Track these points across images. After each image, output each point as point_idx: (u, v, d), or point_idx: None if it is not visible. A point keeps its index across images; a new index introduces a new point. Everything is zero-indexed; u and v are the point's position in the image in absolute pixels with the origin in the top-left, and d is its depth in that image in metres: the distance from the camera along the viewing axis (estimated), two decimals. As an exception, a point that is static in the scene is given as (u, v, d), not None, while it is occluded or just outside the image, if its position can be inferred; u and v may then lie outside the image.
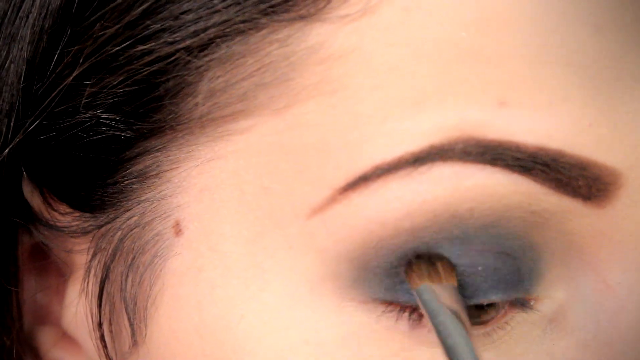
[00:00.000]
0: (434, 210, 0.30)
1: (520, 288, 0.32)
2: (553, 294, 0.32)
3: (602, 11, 0.31)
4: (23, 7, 0.35)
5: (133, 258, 0.34)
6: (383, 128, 0.30)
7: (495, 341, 0.32)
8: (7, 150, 0.34)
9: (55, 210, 0.36)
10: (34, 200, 0.36)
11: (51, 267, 0.38)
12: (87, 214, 0.35)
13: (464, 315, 0.30)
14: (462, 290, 0.31)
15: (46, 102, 0.34)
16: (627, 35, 0.31)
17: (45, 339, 0.38)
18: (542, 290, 0.32)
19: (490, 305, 0.32)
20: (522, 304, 0.32)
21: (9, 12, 0.35)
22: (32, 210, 0.37)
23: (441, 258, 0.31)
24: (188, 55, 0.32)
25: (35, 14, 0.34)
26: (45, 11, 0.34)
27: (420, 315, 0.31)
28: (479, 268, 0.31)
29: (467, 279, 0.31)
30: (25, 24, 0.35)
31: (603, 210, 0.31)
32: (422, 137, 0.30)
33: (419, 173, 0.30)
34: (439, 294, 0.30)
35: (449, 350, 0.29)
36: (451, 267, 0.31)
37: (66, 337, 0.38)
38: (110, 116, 0.33)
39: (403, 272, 0.31)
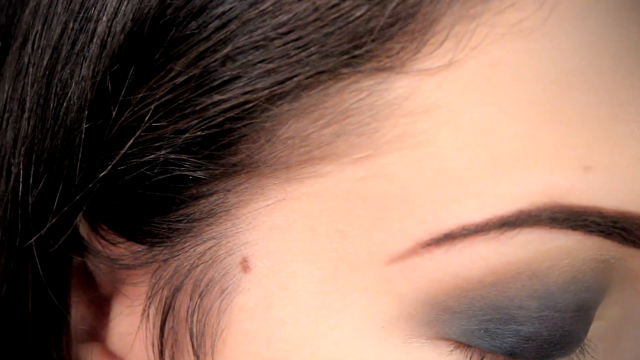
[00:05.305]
0: (517, 269, 0.31)
1: None
2: (606, 314, 0.34)
3: None
4: (83, 47, 0.33)
5: (200, 293, 0.34)
6: (471, 189, 0.31)
7: None
8: (78, 197, 0.33)
9: (110, 242, 0.36)
10: (91, 236, 0.36)
11: (97, 287, 0.38)
12: (146, 247, 0.35)
13: None
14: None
15: (113, 148, 0.33)
16: None
17: (89, 355, 0.38)
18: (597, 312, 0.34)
19: None
20: None
21: (63, 51, 0.34)
22: (84, 242, 0.36)
23: None
24: (266, 103, 0.32)
25: (94, 53, 0.33)
26: (104, 50, 0.33)
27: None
28: (560, 324, 0.32)
29: (546, 337, 0.32)
30: (83, 63, 0.33)
31: None
32: (511, 201, 0.30)
33: (507, 237, 0.31)
34: None
35: None
36: None
37: (110, 355, 0.38)
38: (180, 157, 0.33)
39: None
